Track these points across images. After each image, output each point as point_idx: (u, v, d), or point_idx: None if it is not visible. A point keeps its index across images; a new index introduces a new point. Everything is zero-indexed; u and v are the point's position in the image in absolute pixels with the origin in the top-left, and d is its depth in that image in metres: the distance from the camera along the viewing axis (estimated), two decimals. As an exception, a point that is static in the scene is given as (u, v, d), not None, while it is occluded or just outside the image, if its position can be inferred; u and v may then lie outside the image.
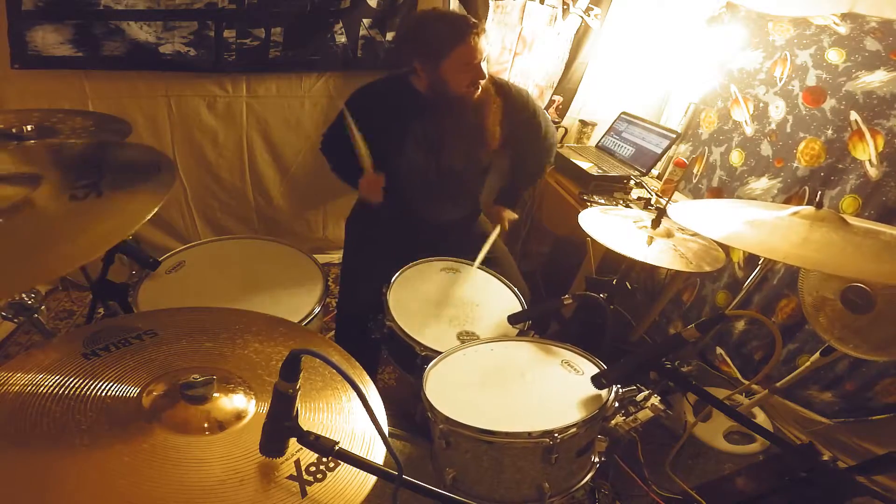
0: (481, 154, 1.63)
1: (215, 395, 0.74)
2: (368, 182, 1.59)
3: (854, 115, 1.73)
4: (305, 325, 1.29)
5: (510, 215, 1.82)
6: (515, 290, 1.55)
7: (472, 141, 1.58)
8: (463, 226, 1.80)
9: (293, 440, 0.67)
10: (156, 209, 0.86)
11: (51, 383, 0.72)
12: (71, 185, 0.91)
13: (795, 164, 1.90)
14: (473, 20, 1.48)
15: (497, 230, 1.72)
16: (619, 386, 1.12)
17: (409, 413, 1.44)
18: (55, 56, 1.82)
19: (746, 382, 1.91)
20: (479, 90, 1.51)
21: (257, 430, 0.67)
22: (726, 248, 1.56)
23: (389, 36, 2.19)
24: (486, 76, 1.50)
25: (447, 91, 1.49)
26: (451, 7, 2.14)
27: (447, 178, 1.64)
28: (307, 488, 0.66)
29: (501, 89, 1.62)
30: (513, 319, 1.38)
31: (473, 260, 1.62)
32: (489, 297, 1.51)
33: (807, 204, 1.59)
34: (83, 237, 0.82)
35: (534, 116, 1.70)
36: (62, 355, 0.78)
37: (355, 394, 0.67)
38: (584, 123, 2.61)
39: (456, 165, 1.62)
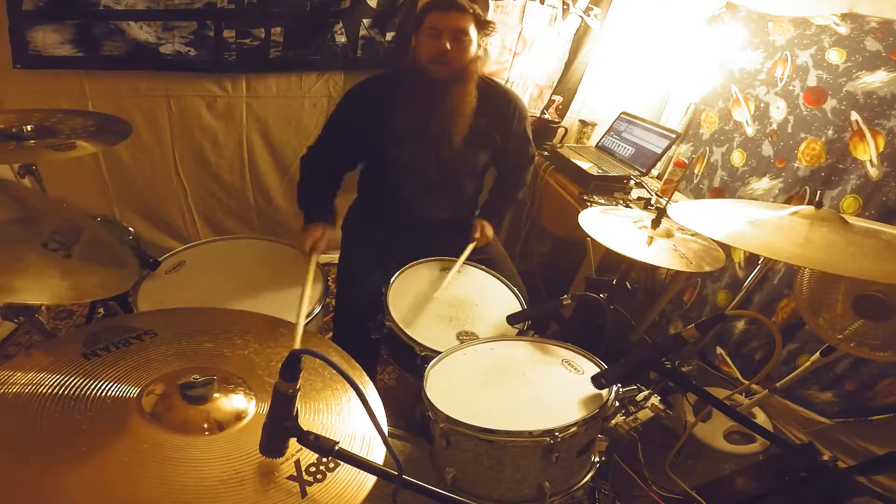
0: (460, 147, 1.61)
1: (215, 395, 0.74)
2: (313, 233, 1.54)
3: (855, 116, 1.73)
4: (305, 325, 1.29)
5: (487, 231, 1.74)
6: (515, 290, 1.55)
7: (436, 120, 1.55)
8: (460, 226, 1.80)
9: (293, 440, 0.67)
10: (103, 296, 0.95)
11: (51, 383, 0.72)
12: (48, 234, 0.95)
13: (796, 165, 1.90)
14: (469, 3, 1.49)
15: (471, 245, 1.64)
16: (619, 385, 1.12)
17: (409, 413, 1.44)
18: (56, 56, 1.82)
19: (746, 382, 1.91)
20: (444, 69, 1.48)
21: (257, 431, 0.67)
22: (727, 248, 1.56)
23: (389, 36, 2.18)
24: (456, 55, 1.46)
25: (417, 63, 1.52)
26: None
27: (446, 175, 1.65)
28: (307, 489, 0.66)
29: (486, 86, 1.62)
30: (512, 319, 1.38)
31: (472, 260, 1.62)
32: (488, 297, 1.51)
33: (807, 204, 1.59)
34: (29, 280, 0.86)
35: (514, 114, 1.69)
36: (62, 355, 0.78)
37: (355, 394, 0.67)
38: (584, 123, 2.61)
39: (455, 162, 1.63)
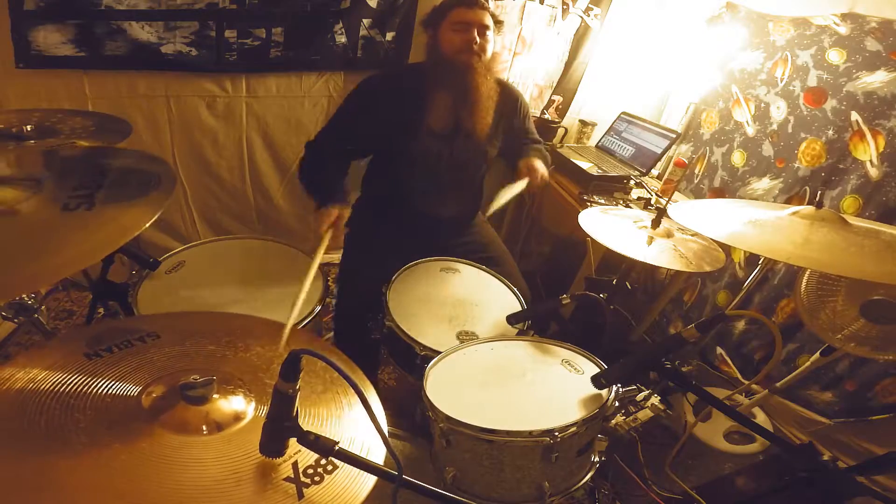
0: (484, 140, 1.65)
1: (215, 396, 0.74)
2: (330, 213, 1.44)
3: (855, 116, 1.73)
4: (305, 324, 1.29)
5: (539, 165, 1.68)
6: (515, 289, 1.55)
7: (465, 111, 1.59)
8: (462, 224, 1.80)
9: (293, 440, 0.67)
10: (136, 233, 0.85)
11: (52, 381, 0.72)
12: (66, 193, 0.89)
13: (797, 165, 1.90)
14: (485, 2, 1.57)
15: (522, 182, 1.62)
16: (619, 385, 1.12)
17: (409, 413, 1.44)
18: (58, 56, 1.82)
19: (746, 382, 1.91)
20: (474, 59, 1.53)
21: (255, 433, 0.67)
22: (727, 248, 1.56)
23: (389, 36, 2.19)
24: (482, 48, 1.54)
25: (441, 56, 1.56)
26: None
27: (456, 168, 1.67)
28: (304, 490, 0.66)
29: (497, 83, 1.68)
30: (512, 319, 1.38)
31: (472, 261, 1.62)
32: (488, 296, 1.51)
33: (807, 204, 1.59)
34: (57, 254, 0.79)
35: (520, 109, 1.78)
36: (65, 354, 0.78)
37: (356, 395, 0.67)
38: (584, 123, 2.61)
39: (467, 154, 1.66)
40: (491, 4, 2.17)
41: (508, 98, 1.73)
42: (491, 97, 1.61)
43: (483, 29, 1.54)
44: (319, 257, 1.32)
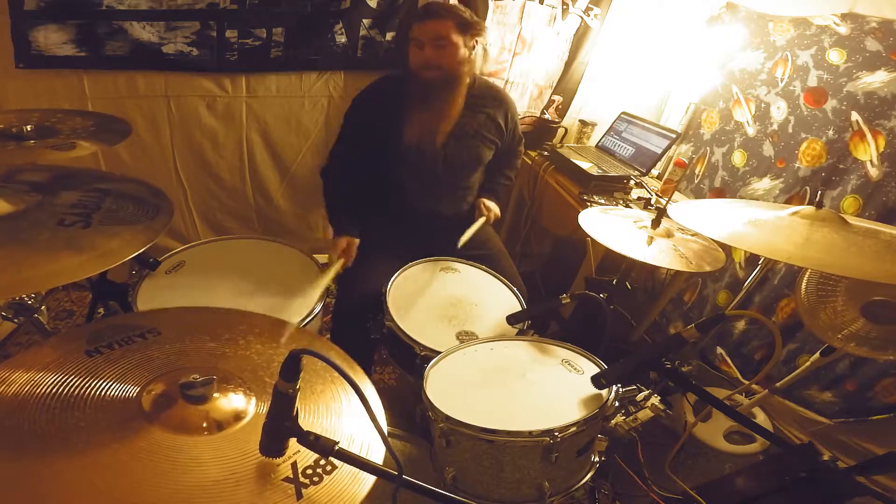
0: (475, 136, 1.68)
1: (215, 395, 0.74)
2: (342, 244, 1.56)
3: (855, 116, 1.73)
4: (305, 324, 1.30)
5: (490, 204, 1.79)
6: (514, 289, 1.55)
7: (437, 122, 1.61)
8: (462, 222, 1.80)
9: (293, 440, 0.67)
10: (128, 257, 0.87)
11: (52, 380, 0.72)
12: (66, 208, 0.92)
13: (797, 165, 1.90)
14: (449, 10, 1.56)
15: (482, 219, 1.71)
16: (619, 385, 1.12)
17: (409, 413, 1.44)
18: (58, 56, 1.82)
19: (746, 382, 1.91)
20: (432, 74, 1.54)
21: (255, 432, 0.67)
22: (727, 248, 1.56)
23: (389, 36, 2.19)
24: (439, 64, 1.52)
25: (409, 70, 1.59)
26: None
27: (448, 170, 1.68)
28: (303, 490, 0.66)
29: (486, 86, 1.71)
30: (512, 319, 1.38)
31: (473, 259, 1.62)
32: (488, 296, 1.51)
33: (808, 204, 1.59)
34: (39, 267, 0.80)
35: (509, 113, 1.78)
36: (66, 352, 0.78)
37: (355, 394, 0.67)
38: (584, 123, 2.61)
39: (461, 156, 1.68)
40: (490, 5, 2.18)
41: (498, 101, 1.74)
42: (454, 106, 1.60)
43: (439, 41, 1.50)
44: (327, 281, 1.40)
